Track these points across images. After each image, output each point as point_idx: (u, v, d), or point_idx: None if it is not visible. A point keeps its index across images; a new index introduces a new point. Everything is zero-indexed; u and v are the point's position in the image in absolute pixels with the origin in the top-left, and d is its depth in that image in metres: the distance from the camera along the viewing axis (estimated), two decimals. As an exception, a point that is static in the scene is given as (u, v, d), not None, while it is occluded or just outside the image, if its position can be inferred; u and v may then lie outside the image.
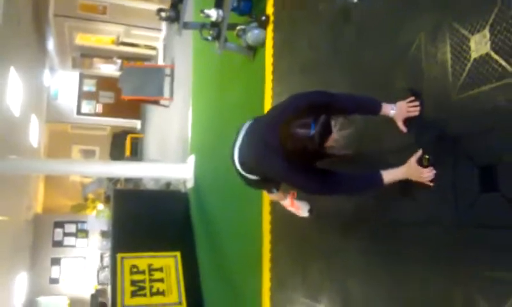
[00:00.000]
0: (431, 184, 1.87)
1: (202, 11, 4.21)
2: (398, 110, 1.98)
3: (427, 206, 1.93)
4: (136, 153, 14.50)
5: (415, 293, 1.99)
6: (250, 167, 2.40)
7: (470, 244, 1.71)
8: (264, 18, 4.02)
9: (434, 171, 1.86)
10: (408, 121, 1.99)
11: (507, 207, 1.54)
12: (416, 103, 1.96)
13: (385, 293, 2.22)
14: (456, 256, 1.78)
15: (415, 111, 1.96)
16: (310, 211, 3.00)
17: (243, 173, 2.45)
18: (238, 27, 4.23)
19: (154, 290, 5.87)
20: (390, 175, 1.97)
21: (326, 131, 1.77)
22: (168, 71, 10.16)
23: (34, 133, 11.61)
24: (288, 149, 1.88)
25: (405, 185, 2.02)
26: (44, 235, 13.56)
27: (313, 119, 1.77)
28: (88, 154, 16.19)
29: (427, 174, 1.87)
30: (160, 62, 12.24)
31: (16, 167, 6.63)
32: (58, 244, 13.90)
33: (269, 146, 2.07)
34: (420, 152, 1.91)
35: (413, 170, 1.92)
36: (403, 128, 1.97)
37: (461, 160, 1.75)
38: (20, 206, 11.19)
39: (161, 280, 5.97)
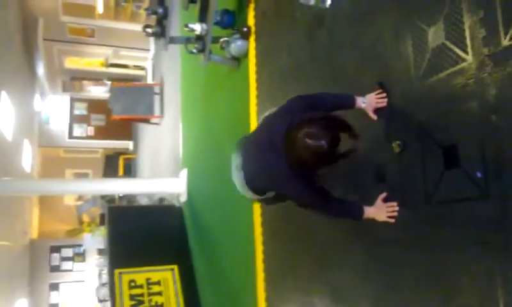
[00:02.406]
0: (393, 221, 2.07)
1: (187, 26, 4.36)
2: (368, 102, 2.14)
3: (401, 189, 2.07)
4: (130, 173, 14.58)
5: (395, 276, 2.12)
6: (259, 185, 2.33)
7: (439, 219, 1.85)
8: (245, 29, 4.18)
9: (397, 208, 2.06)
10: (378, 111, 2.14)
11: (467, 181, 1.69)
12: (384, 94, 2.12)
13: (367, 279, 2.34)
14: (427, 235, 1.91)
15: (382, 102, 2.11)
16: None
17: (258, 196, 2.41)
18: (221, 40, 4.38)
19: (153, 303, 5.93)
20: (367, 213, 2.14)
21: (337, 145, 1.81)
22: (157, 89, 10.31)
23: (27, 158, 11.65)
24: (292, 157, 1.88)
25: (379, 172, 2.17)
26: (41, 260, 13.49)
27: (324, 132, 1.77)
28: (81, 177, 16.22)
29: (389, 213, 2.08)
30: (150, 81, 12.38)
31: (10, 188, 6.69)
32: (56, 268, 13.82)
33: (273, 151, 2.04)
34: (384, 194, 2.12)
35: (378, 210, 2.11)
36: (374, 117, 2.12)
37: (427, 142, 1.89)
38: (16, 231, 11.19)
39: (159, 293, 6.03)
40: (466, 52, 1.71)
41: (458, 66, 1.73)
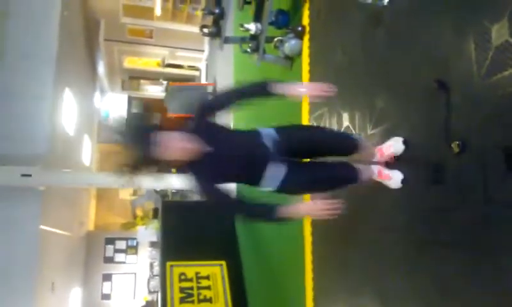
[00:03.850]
0: (328, 217, 2.00)
1: (242, 26, 4.44)
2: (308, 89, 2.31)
3: (458, 191, 2.02)
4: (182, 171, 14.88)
5: (449, 279, 2.07)
6: None
7: (498, 222, 1.79)
8: (300, 28, 4.20)
9: (338, 204, 2.01)
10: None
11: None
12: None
13: (418, 283, 2.29)
14: (485, 237, 1.86)
15: (328, 91, 2.09)
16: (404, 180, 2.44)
17: None
18: (275, 39, 4.42)
19: (202, 296, 6.06)
20: (286, 211, 2.08)
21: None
22: (210, 89, 10.51)
23: (87, 153, 12.21)
24: None
25: (436, 172, 2.13)
26: (96, 251, 14.02)
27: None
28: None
29: (327, 207, 2.01)
30: (203, 81, 12.64)
31: (70, 180, 7.06)
32: (109, 260, 14.33)
33: None
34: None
35: (308, 205, 2.09)
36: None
37: (488, 143, 1.84)
38: (75, 223, 11.75)
39: (208, 287, 6.16)
40: (532, 49, 1.65)
41: (523, 64, 1.68)
